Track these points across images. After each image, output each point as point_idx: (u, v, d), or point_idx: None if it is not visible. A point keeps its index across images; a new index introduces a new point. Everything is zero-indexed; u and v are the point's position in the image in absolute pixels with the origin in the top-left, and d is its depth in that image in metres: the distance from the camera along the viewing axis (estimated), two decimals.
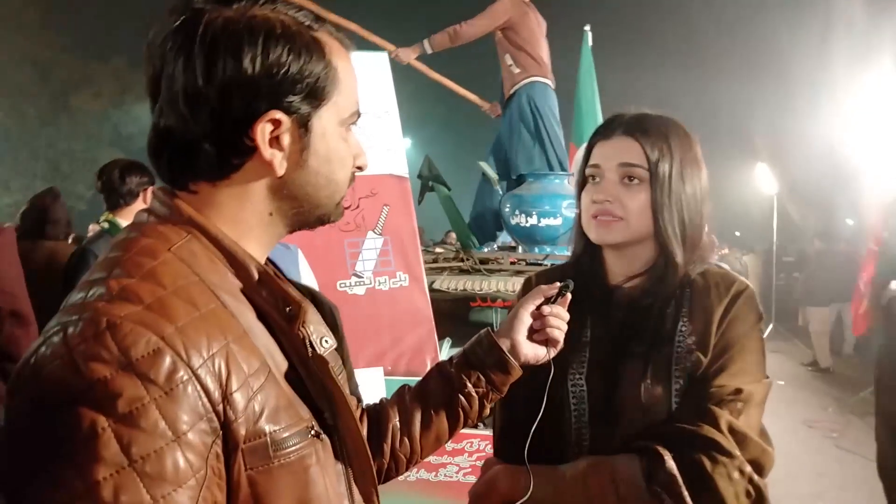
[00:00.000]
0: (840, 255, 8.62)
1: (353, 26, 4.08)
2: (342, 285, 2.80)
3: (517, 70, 4.03)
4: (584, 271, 1.26)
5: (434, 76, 4.44)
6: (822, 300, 8.61)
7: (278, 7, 0.75)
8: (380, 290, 2.85)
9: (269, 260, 0.87)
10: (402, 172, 2.97)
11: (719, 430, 1.07)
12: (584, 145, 1.29)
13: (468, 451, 2.51)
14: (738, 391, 1.10)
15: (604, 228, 1.20)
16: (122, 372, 0.61)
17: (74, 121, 20.58)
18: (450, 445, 2.50)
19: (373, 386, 2.57)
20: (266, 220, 0.80)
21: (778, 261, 11.83)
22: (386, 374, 2.67)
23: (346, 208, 3.05)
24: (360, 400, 1.14)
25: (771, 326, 10.19)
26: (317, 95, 0.76)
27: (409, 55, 4.07)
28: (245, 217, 0.78)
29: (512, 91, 4.06)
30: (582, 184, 1.26)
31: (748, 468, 1.07)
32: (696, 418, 1.09)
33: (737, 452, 1.06)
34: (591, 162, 1.23)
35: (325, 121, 0.78)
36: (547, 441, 1.17)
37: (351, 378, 1.65)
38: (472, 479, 2.48)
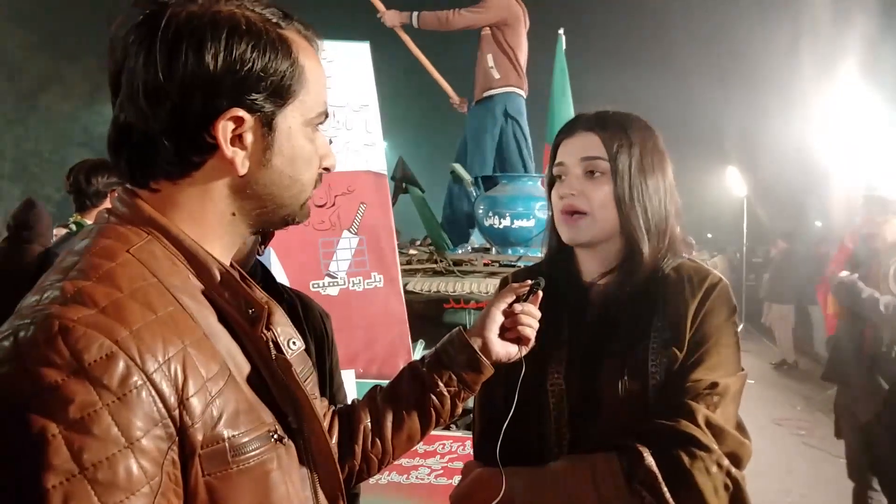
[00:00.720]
0: (806, 255, 8.83)
1: None
2: (315, 286, 2.77)
3: (497, 75, 4.00)
4: (558, 270, 1.27)
5: (414, 51, 4.33)
6: (787, 298, 8.82)
7: (245, 3, 0.74)
8: (353, 290, 2.82)
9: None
10: (381, 169, 2.91)
11: (697, 425, 1.08)
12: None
13: (440, 454, 2.51)
14: (715, 385, 1.11)
15: (572, 228, 1.22)
16: (74, 377, 0.59)
17: (43, 121, 20.14)
18: (421, 448, 2.50)
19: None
20: (228, 220, 0.78)
21: (747, 262, 12.02)
22: (358, 376, 2.65)
23: (321, 206, 3.00)
24: (341, 405, 1.12)
25: (741, 326, 10.32)
26: (282, 94, 0.75)
27: (395, 19, 4.00)
28: (207, 217, 0.77)
29: (487, 94, 4.04)
30: (551, 184, 1.28)
31: (726, 461, 1.08)
32: (673, 414, 1.10)
33: (714, 446, 1.07)
34: (557, 160, 1.26)
35: (290, 120, 0.77)
36: (528, 441, 1.17)
37: (339, 389, 1.64)
38: (444, 480, 2.50)
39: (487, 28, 4.02)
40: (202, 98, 0.71)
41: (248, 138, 0.74)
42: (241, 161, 0.74)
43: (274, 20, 0.76)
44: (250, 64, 0.72)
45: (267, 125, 0.75)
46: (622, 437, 1.11)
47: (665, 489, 1.06)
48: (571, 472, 1.13)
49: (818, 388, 6.88)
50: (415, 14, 4.02)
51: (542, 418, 1.20)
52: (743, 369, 1.18)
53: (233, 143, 0.74)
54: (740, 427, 1.14)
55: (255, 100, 0.73)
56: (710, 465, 1.07)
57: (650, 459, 1.07)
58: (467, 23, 3.99)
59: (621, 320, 1.19)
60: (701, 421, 1.08)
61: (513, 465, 1.17)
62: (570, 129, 1.26)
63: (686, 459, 1.07)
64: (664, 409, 1.12)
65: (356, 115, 2.89)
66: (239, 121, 0.73)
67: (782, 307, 8.96)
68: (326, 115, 0.83)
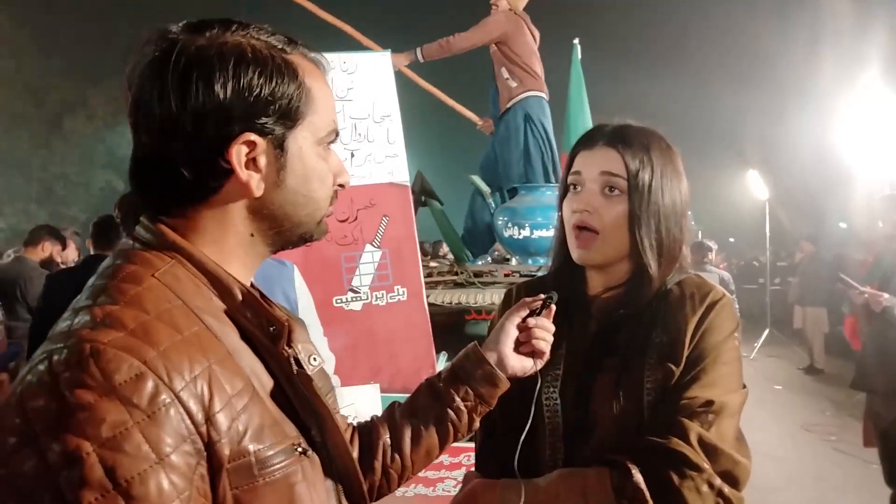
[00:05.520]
0: (832, 257, 8.70)
1: (344, 27, 4.10)
2: (338, 301, 2.79)
3: (514, 84, 4.03)
4: (563, 283, 1.25)
5: (425, 86, 4.38)
6: (818, 301, 8.68)
7: (251, 32, 0.77)
8: (377, 305, 2.82)
9: (254, 283, 0.89)
10: (403, 180, 2.90)
11: (688, 443, 1.06)
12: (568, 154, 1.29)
13: (465, 465, 2.51)
14: (710, 402, 1.09)
15: (583, 250, 1.21)
16: (106, 397, 0.62)
17: (68, 143, 20.58)
18: (447, 460, 2.50)
19: (369, 403, 2.56)
20: (248, 241, 0.81)
21: (772, 266, 11.87)
22: (382, 391, 2.66)
23: (344, 221, 3.00)
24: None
25: (767, 332, 10.20)
26: (290, 116, 0.78)
27: (400, 61, 3.98)
28: (227, 239, 0.80)
29: (509, 105, 4.06)
30: (564, 193, 1.26)
31: (717, 481, 1.06)
32: (666, 431, 1.08)
33: (705, 465, 1.06)
34: (574, 169, 1.23)
35: (301, 140, 0.80)
36: (523, 456, 1.15)
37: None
38: None
39: (494, 45, 4.06)
40: (215, 126, 0.74)
41: (262, 161, 0.77)
42: (257, 183, 0.77)
43: (279, 46, 0.79)
44: (258, 90, 0.75)
45: (279, 147, 0.78)
46: (615, 452, 1.11)
47: None
48: (563, 484, 1.12)
49: (848, 392, 6.76)
50: (418, 50, 4.03)
51: (537, 432, 1.19)
52: (745, 386, 1.16)
53: (247, 167, 0.76)
54: (739, 444, 1.12)
55: (266, 123, 0.76)
56: (701, 484, 1.05)
57: (638, 477, 1.06)
58: (467, 44, 4.02)
59: (620, 336, 1.18)
60: (693, 439, 1.06)
61: (508, 477, 1.16)
62: (590, 141, 1.23)
63: (676, 479, 1.05)
64: (658, 426, 1.10)
65: (378, 126, 2.90)
66: (252, 145, 0.76)
67: (816, 310, 8.80)
68: (337, 134, 0.85)
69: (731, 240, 22.11)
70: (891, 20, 9.62)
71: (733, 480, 1.08)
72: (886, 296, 3.37)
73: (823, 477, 4.81)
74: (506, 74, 4.05)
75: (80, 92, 20.45)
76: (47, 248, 4.93)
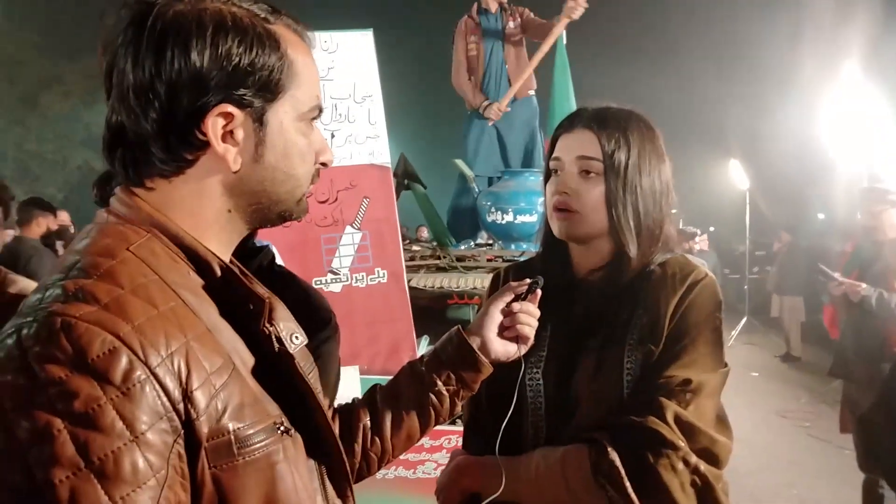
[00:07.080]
0: (810, 247, 8.83)
1: None
2: (318, 282, 2.77)
3: (534, 78, 4.19)
4: (550, 265, 1.27)
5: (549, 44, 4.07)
6: (794, 290, 8.82)
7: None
8: (357, 287, 2.82)
9: (233, 259, 0.86)
10: (384, 161, 2.88)
11: (664, 422, 1.08)
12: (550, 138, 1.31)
13: (446, 448, 2.51)
14: (688, 381, 1.10)
15: (563, 223, 1.22)
16: (78, 373, 0.60)
17: (44, 121, 20.14)
18: (427, 443, 2.50)
19: (348, 385, 2.55)
20: (225, 218, 0.79)
21: (751, 255, 12.01)
22: (361, 373, 2.65)
23: (324, 202, 2.98)
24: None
25: (745, 320, 10.33)
26: (271, 88, 0.75)
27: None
28: (204, 214, 0.77)
29: (531, 92, 4.21)
30: (547, 176, 1.28)
31: (693, 458, 1.08)
32: (644, 410, 1.10)
33: (681, 444, 1.07)
34: (554, 154, 1.25)
35: (281, 115, 0.77)
36: (506, 435, 1.17)
37: (337, 378, 1.65)
38: None
39: (522, 36, 4.15)
40: (190, 95, 0.71)
41: (240, 134, 0.74)
42: (234, 157, 0.75)
43: (262, 15, 0.76)
44: (237, 59, 0.72)
45: (258, 120, 0.75)
46: (594, 431, 1.12)
47: (627, 484, 1.07)
48: (543, 462, 1.14)
49: (822, 380, 6.86)
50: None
51: (521, 411, 1.21)
52: (726, 365, 1.18)
53: (224, 140, 0.74)
54: (719, 424, 1.14)
55: (244, 95, 0.73)
56: (676, 461, 1.07)
57: (613, 455, 1.08)
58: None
59: (603, 316, 1.20)
60: (669, 418, 1.08)
61: (491, 455, 1.17)
62: (569, 125, 1.25)
63: (651, 456, 1.07)
64: (637, 404, 1.12)
65: (359, 107, 2.86)
66: (229, 117, 0.73)
67: (793, 299, 8.94)
68: (321, 110, 0.83)
69: (712, 228, 22.34)
70: (871, 14, 9.71)
71: (712, 458, 1.10)
72: (864, 286, 3.43)
73: (797, 462, 4.90)
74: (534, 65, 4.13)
75: (57, 68, 20.00)
76: (42, 223, 4.78)
